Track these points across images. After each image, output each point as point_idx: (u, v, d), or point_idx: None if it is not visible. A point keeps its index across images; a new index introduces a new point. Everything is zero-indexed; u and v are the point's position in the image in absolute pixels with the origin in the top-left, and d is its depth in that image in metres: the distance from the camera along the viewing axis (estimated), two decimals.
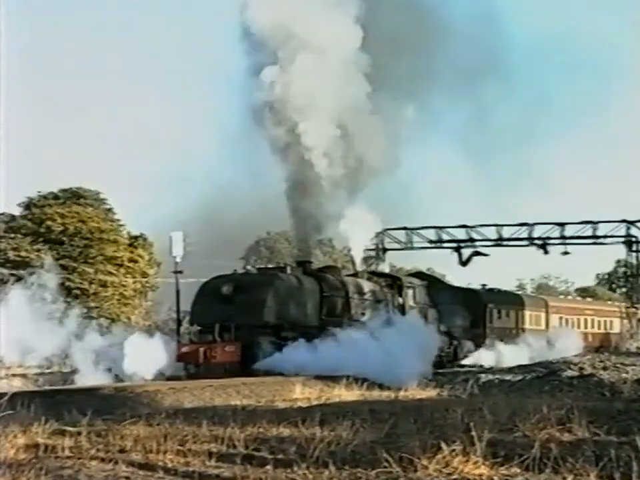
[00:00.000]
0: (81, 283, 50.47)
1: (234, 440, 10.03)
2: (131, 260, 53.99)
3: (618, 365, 23.09)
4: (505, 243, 48.95)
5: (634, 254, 49.46)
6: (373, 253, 47.37)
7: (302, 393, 20.76)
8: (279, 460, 9.10)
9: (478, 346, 38.44)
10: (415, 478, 8.19)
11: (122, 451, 9.86)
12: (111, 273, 52.21)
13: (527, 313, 46.06)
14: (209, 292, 28.29)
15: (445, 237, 49.52)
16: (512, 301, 45.40)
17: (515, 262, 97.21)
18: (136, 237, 55.76)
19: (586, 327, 51.26)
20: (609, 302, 64.01)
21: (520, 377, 23.37)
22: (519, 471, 8.30)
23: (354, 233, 33.59)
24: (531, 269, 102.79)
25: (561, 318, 49.48)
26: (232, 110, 60.47)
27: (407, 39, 32.48)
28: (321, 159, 30.38)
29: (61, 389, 21.06)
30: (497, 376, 24.13)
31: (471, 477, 8.17)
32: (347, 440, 9.85)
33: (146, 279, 55.42)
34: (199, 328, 28.17)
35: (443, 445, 8.52)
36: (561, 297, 75.73)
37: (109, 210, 56.22)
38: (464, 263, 49.20)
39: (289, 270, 30.01)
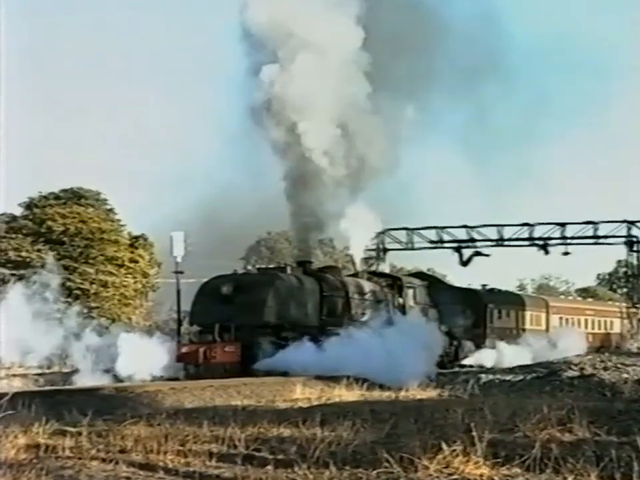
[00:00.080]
0: (81, 283, 50.41)
1: (234, 440, 10.03)
2: (132, 260, 53.92)
3: (619, 365, 23.04)
4: (505, 243, 48.84)
5: (635, 254, 49.33)
6: (373, 253, 47.35)
7: (302, 393, 20.74)
8: (280, 460, 9.10)
9: (478, 346, 38.43)
10: (416, 478, 8.19)
11: (122, 451, 9.86)
12: (111, 273, 52.16)
13: (528, 313, 46.03)
14: (208, 292, 28.26)
15: (446, 237, 49.44)
16: (512, 301, 45.36)
17: (515, 262, 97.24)
18: (136, 237, 55.70)
19: (586, 327, 51.22)
20: (610, 302, 64.00)
21: (520, 377, 23.33)
22: (519, 471, 8.30)
23: (354, 232, 33.59)
24: (531, 269, 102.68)
25: (561, 318, 49.46)
26: (232, 110, 60.62)
27: (407, 39, 32.49)
28: (321, 157, 30.37)
29: (61, 389, 21.08)
30: (498, 376, 24.09)
31: (471, 477, 8.17)
32: (348, 440, 9.85)
33: (146, 279, 55.36)
34: (198, 328, 28.17)
35: (444, 445, 8.53)
36: (562, 297, 75.72)
37: (110, 210, 56.15)
38: (465, 263, 49.14)
39: (289, 270, 30.00)
